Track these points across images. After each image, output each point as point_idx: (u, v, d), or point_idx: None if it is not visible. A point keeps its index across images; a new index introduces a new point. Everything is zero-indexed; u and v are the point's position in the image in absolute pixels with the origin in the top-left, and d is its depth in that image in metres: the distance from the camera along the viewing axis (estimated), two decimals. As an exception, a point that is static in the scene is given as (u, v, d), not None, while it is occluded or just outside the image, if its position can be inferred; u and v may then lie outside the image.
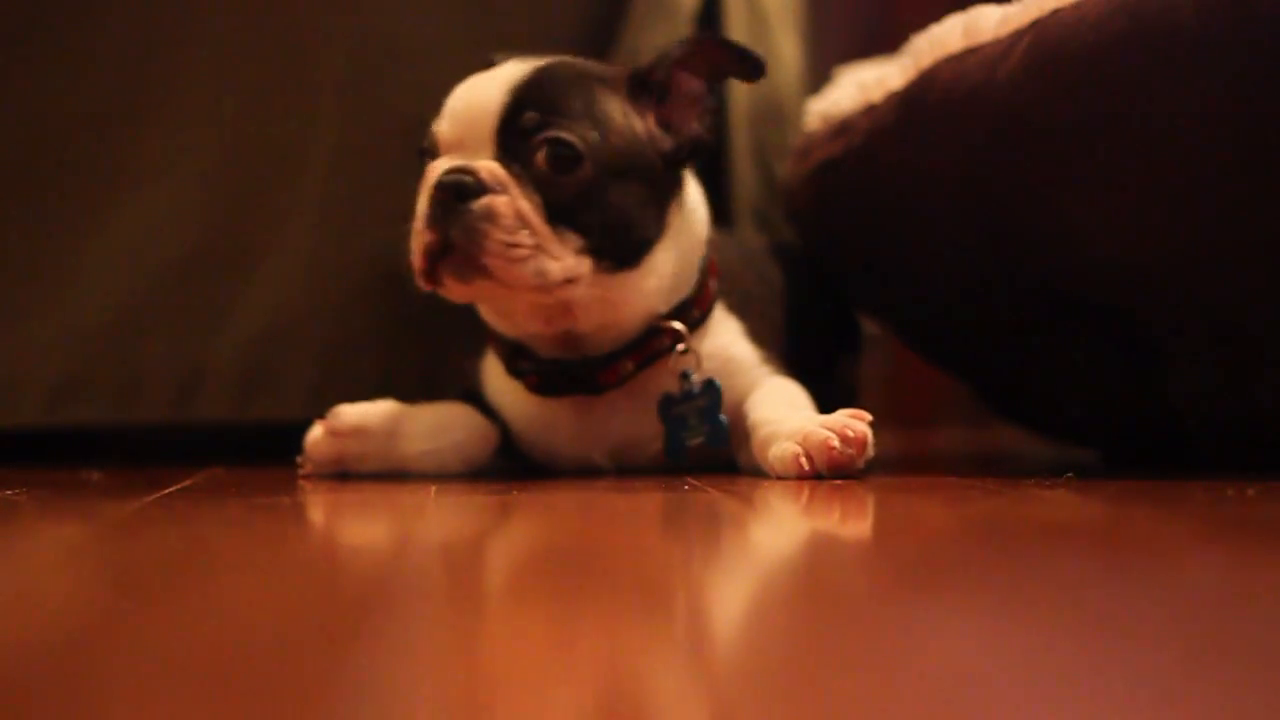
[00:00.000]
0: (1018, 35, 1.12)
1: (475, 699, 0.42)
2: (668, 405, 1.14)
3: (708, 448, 1.14)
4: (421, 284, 1.07)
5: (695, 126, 1.14)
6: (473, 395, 1.20)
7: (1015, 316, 1.24)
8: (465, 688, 0.44)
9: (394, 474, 1.13)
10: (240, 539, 0.80)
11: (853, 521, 0.86)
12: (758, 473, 1.08)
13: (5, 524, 0.89)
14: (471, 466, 1.16)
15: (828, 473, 1.01)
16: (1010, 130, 1.12)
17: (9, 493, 1.01)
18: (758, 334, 1.20)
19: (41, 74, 1.41)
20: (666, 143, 1.12)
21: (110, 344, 1.39)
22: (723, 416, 1.13)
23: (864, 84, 1.31)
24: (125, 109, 1.41)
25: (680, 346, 1.14)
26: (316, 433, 1.14)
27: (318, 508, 0.96)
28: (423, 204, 1.06)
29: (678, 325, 1.14)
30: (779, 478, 1.03)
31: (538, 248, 1.05)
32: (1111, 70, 1.05)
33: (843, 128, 1.32)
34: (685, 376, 1.13)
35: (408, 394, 1.18)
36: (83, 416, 1.39)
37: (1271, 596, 0.56)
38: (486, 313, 1.16)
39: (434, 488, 1.02)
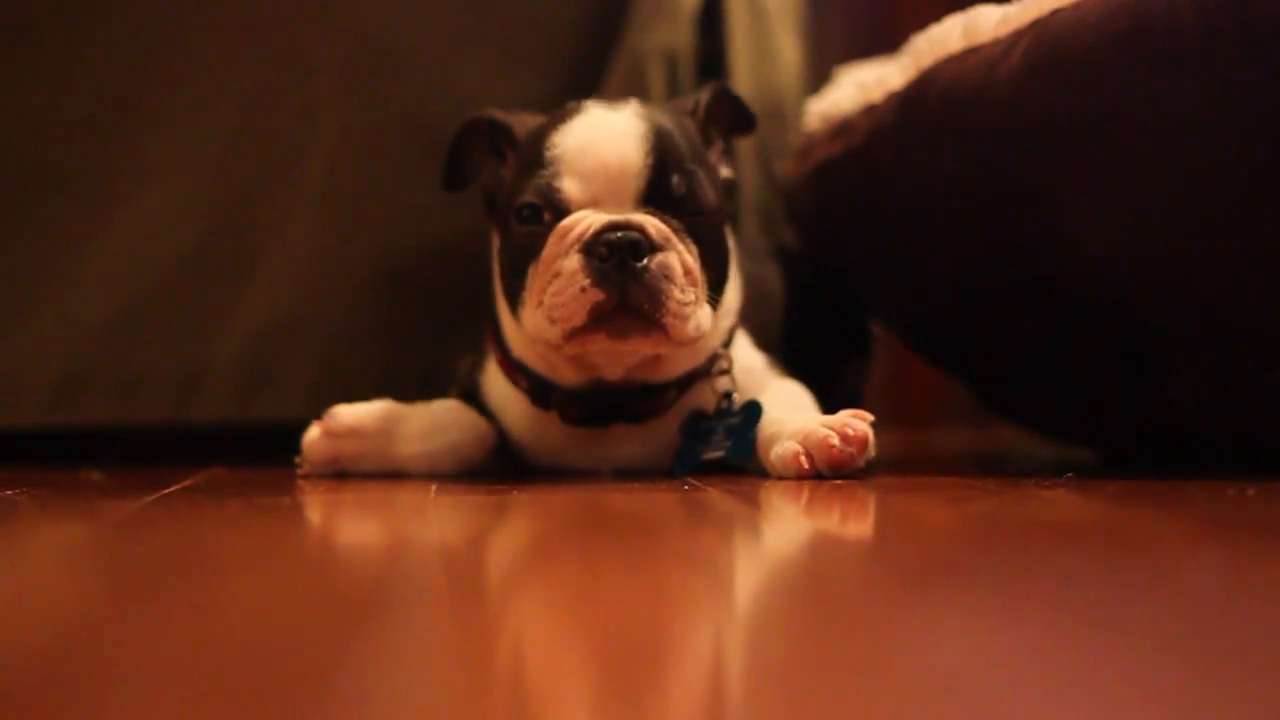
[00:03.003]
0: (1018, 35, 1.12)
1: (475, 699, 0.42)
2: (695, 421, 1.13)
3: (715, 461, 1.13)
4: (561, 341, 1.03)
5: (725, 169, 1.15)
6: (470, 395, 1.20)
7: (1014, 316, 1.24)
8: (465, 688, 0.44)
9: (392, 474, 1.13)
10: (240, 539, 0.80)
11: (853, 521, 0.86)
12: (761, 473, 1.08)
13: (5, 524, 0.89)
14: (468, 467, 1.15)
15: (828, 471, 1.01)
16: (1010, 130, 1.12)
17: (9, 493, 1.01)
18: (758, 343, 1.20)
19: (42, 74, 1.41)
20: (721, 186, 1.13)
21: (110, 344, 1.39)
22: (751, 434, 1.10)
23: (864, 84, 1.31)
24: (125, 109, 1.40)
25: (722, 364, 1.13)
26: (313, 433, 1.14)
27: (317, 508, 0.96)
28: (578, 261, 1.01)
29: (721, 350, 1.14)
30: (780, 477, 1.03)
31: (697, 300, 1.04)
32: (1111, 70, 1.05)
33: (843, 128, 1.32)
34: (728, 396, 1.13)
35: (407, 394, 1.18)
36: (83, 416, 1.39)
37: (1271, 596, 0.56)
38: (521, 350, 1.12)
39: (434, 488, 1.02)
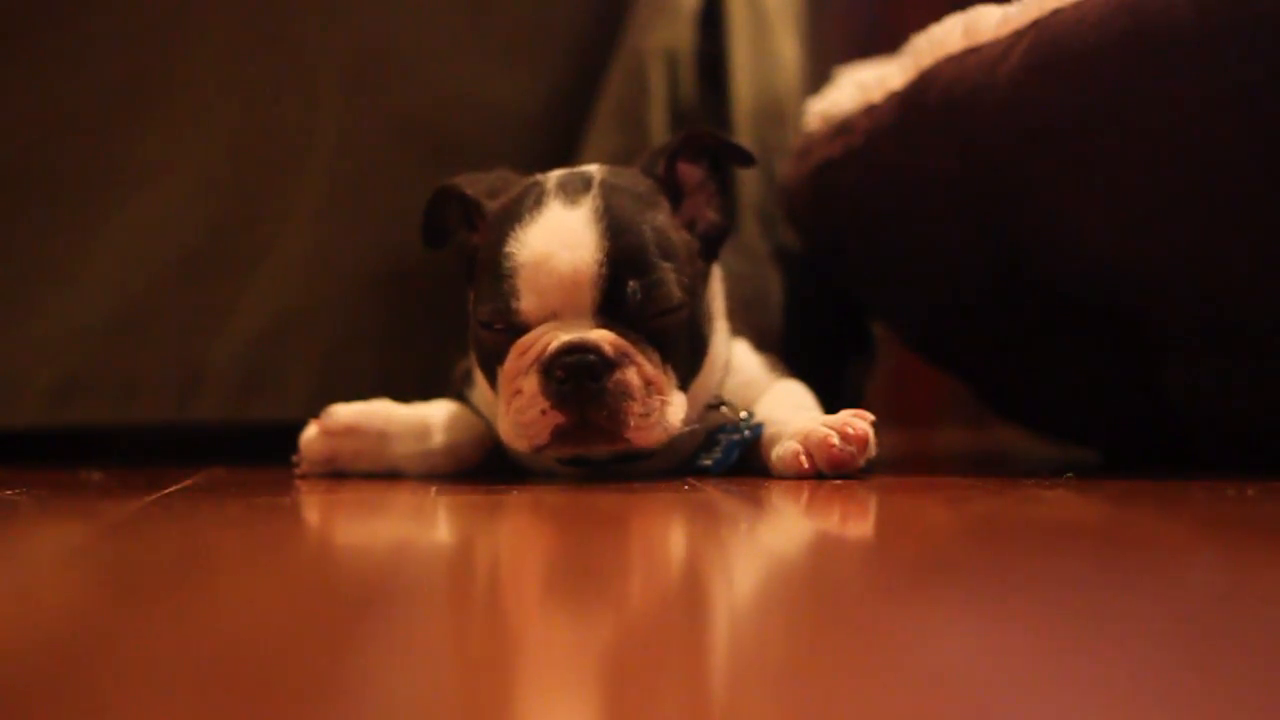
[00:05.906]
0: (1018, 35, 1.12)
1: (474, 700, 0.42)
2: (716, 431, 1.13)
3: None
4: (529, 452, 1.04)
5: (710, 215, 1.13)
6: (467, 396, 1.19)
7: (1015, 316, 1.24)
8: (464, 688, 0.44)
9: (390, 474, 1.13)
10: (240, 539, 0.80)
11: (853, 521, 0.86)
12: (761, 473, 1.08)
13: (5, 524, 0.89)
14: (465, 467, 1.15)
15: (829, 470, 1.01)
16: (1010, 130, 1.11)
17: (9, 493, 1.01)
18: (757, 345, 1.20)
19: (42, 74, 1.41)
20: (696, 244, 1.11)
21: (110, 344, 1.39)
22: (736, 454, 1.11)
23: (864, 84, 1.31)
24: (125, 109, 1.41)
25: (715, 401, 1.13)
26: (311, 432, 1.14)
27: (317, 508, 0.96)
28: (537, 382, 1.01)
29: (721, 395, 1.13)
30: (781, 477, 1.03)
31: (663, 405, 1.03)
32: (1111, 70, 1.05)
33: (843, 128, 1.31)
34: (749, 416, 1.12)
35: (407, 394, 1.18)
36: (83, 416, 1.39)
37: (1271, 596, 0.56)
38: (504, 429, 1.07)
39: (434, 488, 1.03)
